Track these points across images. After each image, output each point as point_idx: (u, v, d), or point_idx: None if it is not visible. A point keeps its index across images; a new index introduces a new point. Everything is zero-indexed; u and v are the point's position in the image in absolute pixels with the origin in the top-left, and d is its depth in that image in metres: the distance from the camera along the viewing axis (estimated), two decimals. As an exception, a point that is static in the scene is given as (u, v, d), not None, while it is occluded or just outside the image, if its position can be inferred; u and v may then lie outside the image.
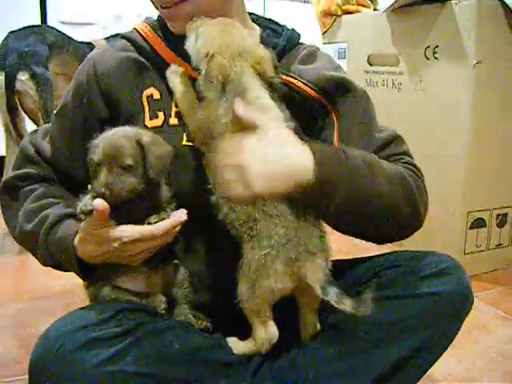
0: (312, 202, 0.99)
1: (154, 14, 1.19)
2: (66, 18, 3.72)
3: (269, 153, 0.96)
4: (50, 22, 3.66)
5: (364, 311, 0.96)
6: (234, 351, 1.08)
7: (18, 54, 2.59)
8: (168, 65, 1.14)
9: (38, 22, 3.59)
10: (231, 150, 0.97)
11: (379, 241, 1.14)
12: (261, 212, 1.00)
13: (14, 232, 1.16)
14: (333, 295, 0.97)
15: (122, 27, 3.69)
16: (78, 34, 3.69)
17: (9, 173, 1.20)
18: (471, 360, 1.57)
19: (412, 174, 1.12)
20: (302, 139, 1.00)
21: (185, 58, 1.12)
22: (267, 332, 1.04)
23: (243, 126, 0.98)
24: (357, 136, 1.16)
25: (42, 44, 2.65)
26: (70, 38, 2.83)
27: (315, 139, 1.19)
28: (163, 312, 1.08)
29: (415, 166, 1.17)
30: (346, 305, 0.96)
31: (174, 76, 1.12)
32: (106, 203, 0.96)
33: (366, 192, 1.01)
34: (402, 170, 1.11)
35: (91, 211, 0.98)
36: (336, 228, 1.08)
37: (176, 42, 1.14)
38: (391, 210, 1.05)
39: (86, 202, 1.01)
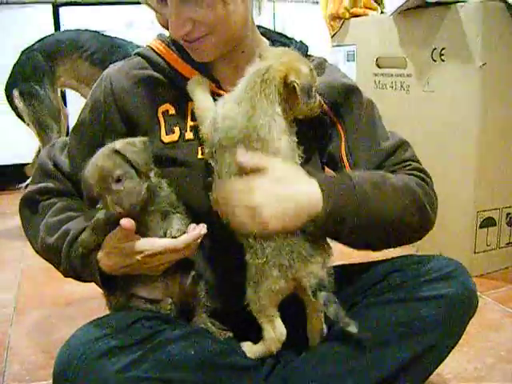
0: (324, 232, 1.05)
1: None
2: (77, 25, 3.77)
3: (279, 192, 1.02)
4: (63, 28, 3.69)
5: (347, 323, 1.01)
6: (248, 354, 1.12)
7: (12, 72, 2.76)
8: (186, 78, 1.17)
9: (51, 29, 3.64)
10: (242, 190, 1.03)
11: (393, 247, 1.19)
12: None
13: (35, 245, 1.19)
14: (321, 299, 1.03)
15: (134, 34, 3.74)
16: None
17: (28, 188, 1.24)
18: (481, 359, 1.59)
19: (419, 182, 1.16)
20: (308, 172, 1.06)
21: (202, 70, 1.17)
22: (275, 330, 1.08)
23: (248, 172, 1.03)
24: (363, 147, 1.20)
25: (30, 61, 2.75)
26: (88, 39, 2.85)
27: (324, 151, 1.24)
28: (168, 312, 1.11)
29: (422, 170, 1.21)
30: (330, 312, 1.02)
31: (196, 85, 1.15)
32: (131, 220, 1.00)
33: (375, 214, 1.06)
34: (409, 181, 1.15)
35: (107, 223, 1.04)
36: (351, 247, 1.13)
37: (190, 59, 1.17)
38: (402, 223, 1.10)
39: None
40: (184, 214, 1.11)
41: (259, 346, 1.12)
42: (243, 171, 1.03)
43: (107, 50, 2.77)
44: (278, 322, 1.09)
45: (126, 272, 1.09)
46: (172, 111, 1.18)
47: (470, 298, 1.11)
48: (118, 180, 1.00)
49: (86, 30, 2.89)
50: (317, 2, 3.85)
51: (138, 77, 1.20)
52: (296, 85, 1.02)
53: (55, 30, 3.66)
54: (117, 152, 1.02)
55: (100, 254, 1.08)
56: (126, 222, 1.00)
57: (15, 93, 2.74)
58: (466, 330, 1.13)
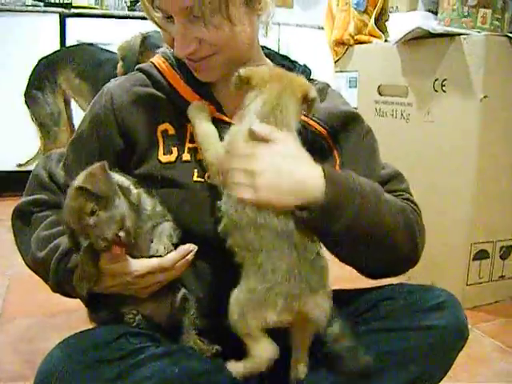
0: (317, 222, 0.99)
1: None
2: (84, 39, 3.79)
3: (282, 165, 0.99)
4: (69, 42, 3.72)
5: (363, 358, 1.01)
6: (234, 374, 1.06)
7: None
8: (185, 100, 1.16)
9: (57, 41, 3.67)
10: (246, 154, 0.99)
11: (376, 273, 1.16)
12: (263, 243, 0.99)
13: (26, 257, 1.17)
14: (335, 330, 1.01)
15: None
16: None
17: (21, 199, 1.21)
18: (469, 391, 1.58)
19: (412, 211, 1.15)
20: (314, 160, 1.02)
21: (204, 95, 1.16)
22: (263, 348, 1.02)
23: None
24: (359, 172, 1.19)
25: (35, 69, 2.97)
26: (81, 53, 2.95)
27: None
28: (133, 324, 1.09)
29: (415, 203, 1.19)
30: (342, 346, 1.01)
31: (197, 111, 1.13)
32: (120, 248, 0.99)
33: (370, 218, 1.02)
34: (404, 205, 1.14)
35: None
36: (336, 254, 1.09)
37: (192, 80, 1.16)
38: (392, 240, 1.07)
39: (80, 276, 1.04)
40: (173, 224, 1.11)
41: (246, 364, 1.05)
42: (253, 139, 1.00)
43: (94, 65, 2.83)
44: (267, 340, 1.02)
45: (113, 291, 1.07)
46: (172, 131, 1.17)
47: (460, 330, 1.09)
48: (92, 213, 0.98)
49: (84, 44, 3.02)
50: (321, 28, 3.89)
51: (138, 94, 1.18)
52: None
53: (61, 40, 3.68)
54: (80, 188, 0.99)
55: None
56: (116, 251, 0.99)
57: (23, 98, 2.97)
58: (455, 361, 1.12)
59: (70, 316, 2.05)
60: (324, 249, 1.06)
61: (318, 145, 1.17)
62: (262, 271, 0.99)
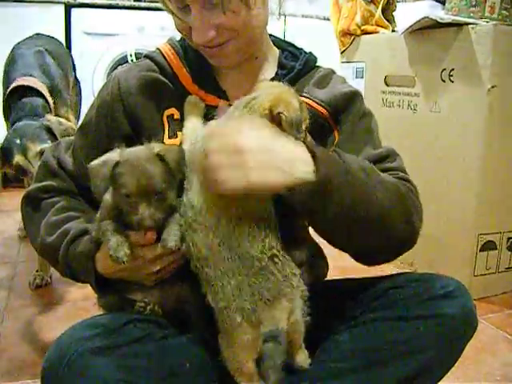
0: (307, 205, 0.96)
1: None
2: (89, 29, 3.80)
3: (269, 142, 0.94)
4: (74, 32, 3.72)
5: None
6: None
7: None
8: (185, 89, 1.18)
9: (62, 32, 3.66)
10: (231, 131, 0.94)
11: (371, 257, 1.14)
12: (211, 254, 0.97)
13: (35, 243, 1.19)
14: (266, 358, 0.97)
15: (145, 39, 3.78)
16: (102, 45, 3.78)
17: (31, 186, 1.24)
18: (476, 382, 1.58)
19: (407, 189, 1.12)
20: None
21: (208, 84, 1.17)
22: None
23: None
24: (353, 151, 1.15)
25: None
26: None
27: None
28: (141, 310, 1.09)
29: (409, 180, 1.16)
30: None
31: (190, 106, 1.15)
32: (154, 233, 1.01)
33: (362, 196, 1.00)
34: (397, 182, 1.11)
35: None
36: (328, 239, 1.06)
37: (196, 68, 1.18)
38: (385, 218, 1.04)
39: (118, 243, 1.00)
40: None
41: None
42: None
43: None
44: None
45: (122, 276, 1.08)
46: (177, 116, 1.19)
47: (469, 319, 1.09)
48: (159, 193, 0.98)
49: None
50: (327, 19, 3.87)
51: (145, 79, 1.20)
52: (284, 116, 0.93)
53: (66, 30, 3.68)
54: (159, 156, 0.99)
55: (99, 255, 1.07)
56: (151, 236, 1.01)
57: None
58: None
59: (75, 306, 2.07)
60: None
61: (318, 125, 1.17)
62: (213, 289, 0.98)
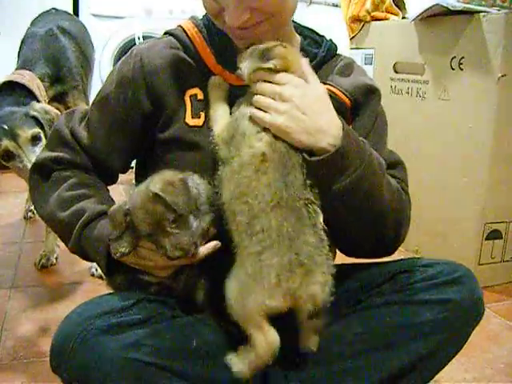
0: (324, 172, 0.99)
1: (187, 11, 1.17)
2: (97, 11, 3.78)
3: (311, 105, 1.01)
4: (82, 14, 3.70)
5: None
6: (235, 369, 0.99)
7: None
8: (209, 70, 1.15)
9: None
10: (296, 81, 1.02)
11: (355, 249, 1.17)
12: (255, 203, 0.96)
13: (42, 212, 1.18)
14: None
15: (153, 22, 3.75)
16: (110, 27, 3.76)
17: (42, 153, 1.22)
18: (479, 369, 1.58)
19: (407, 202, 1.17)
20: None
21: (225, 65, 1.15)
22: (267, 335, 0.95)
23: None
24: None
25: None
26: None
27: None
28: (155, 290, 1.10)
29: (409, 195, 1.20)
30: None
31: (214, 87, 1.13)
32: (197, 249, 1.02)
33: (373, 184, 1.04)
34: (401, 191, 1.15)
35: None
36: (328, 214, 1.04)
37: (221, 48, 1.16)
38: (383, 219, 1.09)
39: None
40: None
41: (247, 356, 0.98)
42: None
43: None
44: (269, 327, 0.96)
45: (134, 263, 1.08)
46: (200, 96, 1.16)
47: (476, 305, 1.09)
48: (174, 221, 0.99)
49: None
50: (337, 5, 3.85)
51: (169, 56, 1.17)
52: None
53: (74, 12, 3.66)
54: (157, 196, 0.99)
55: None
56: (194, 258, 1.03)
57: None
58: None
59: (82, 286, 2.08)
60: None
61: (339, 114, 1.16)
62: (250, 232, 0.95)
